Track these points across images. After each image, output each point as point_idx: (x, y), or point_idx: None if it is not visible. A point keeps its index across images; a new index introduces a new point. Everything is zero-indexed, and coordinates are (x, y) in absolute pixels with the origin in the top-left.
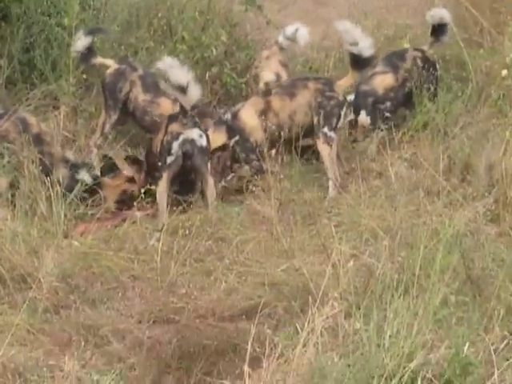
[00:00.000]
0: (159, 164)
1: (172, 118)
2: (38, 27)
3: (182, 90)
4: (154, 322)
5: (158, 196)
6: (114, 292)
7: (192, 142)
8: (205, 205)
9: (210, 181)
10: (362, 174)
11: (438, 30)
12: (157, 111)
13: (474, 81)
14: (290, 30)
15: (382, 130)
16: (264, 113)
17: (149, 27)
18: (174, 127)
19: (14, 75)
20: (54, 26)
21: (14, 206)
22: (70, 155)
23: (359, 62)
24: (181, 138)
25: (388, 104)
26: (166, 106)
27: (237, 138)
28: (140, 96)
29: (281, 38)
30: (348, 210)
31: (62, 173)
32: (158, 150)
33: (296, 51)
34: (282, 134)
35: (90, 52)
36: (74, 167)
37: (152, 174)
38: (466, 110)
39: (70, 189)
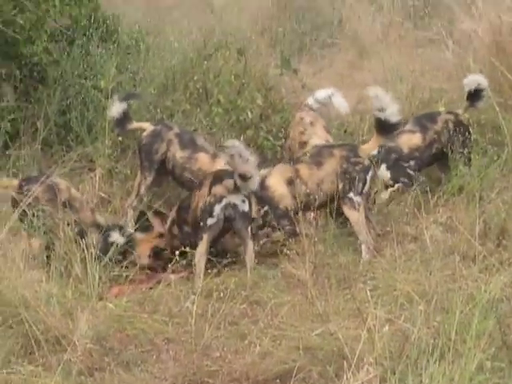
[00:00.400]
0: (200, 224)
1: (217, 180)
2: (75, 90)
3: (245, 178)
4: None
5: (196, 257)
6: (148, 355)
7: (234, 206)
8: (240, 268)
9: (250, 245)
10: (396, 238)
11: (474, 95)
12: (195, 166)
13: (510, 145)
14: (321, 94)
15: (401, 183)
16: (292, 181)
17: (185, 90)
18: (218, 190)
19: (50, 137)
20: (91, 88)
21: (49, 267)
22: (101, 219)
23: (385, 128)
24: (224, 202)
25: (412, 163)
26: (204, 161)
27: (266, 208)
28: (178, 153)
29: (311, 101)
30: (383, 274)
31: (94, 237)
32: (199, 207)
33: (326, 114)
34: (316, 197)
35: (125, 118)
36: (107, 230)
37: (182, 228)
38: (502, 175)
39: (104, 252)
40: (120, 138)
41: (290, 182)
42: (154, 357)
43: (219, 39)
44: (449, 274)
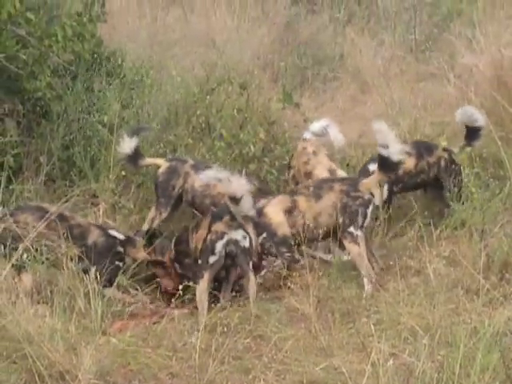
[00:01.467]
0: (199, 262)
1: (216, 217)
2: (78, 125)
3: (236, 200)
4: None
5: (198, 295)
6: None
7: (236, 242)
8: (244, 301)
9: (252, 278)
10: (400, 272)
11: (472, 133)
12: (214, 191)
13: None
14: (316, 126)
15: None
16: (290, 211)
17: (187, 124)
18: (219, 227)
19: (53, 172)
20: (95, 123)
21: (53, 302)
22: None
23: (387, 165)
24: (225, 239)
25: (399, 186)
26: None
27: (264, 235)
28: (196, 183)
29: (308, 134)
30: (387, 307)
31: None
32: (199, 246)
33: (327, 143)
34: (320, 231)
35: (137, 154)
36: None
37: (181, 262)
38: (504, 208)
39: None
40: (123, 173)
41: (288, 212)
42: None
43: (221, 74)
44: (452, 308)
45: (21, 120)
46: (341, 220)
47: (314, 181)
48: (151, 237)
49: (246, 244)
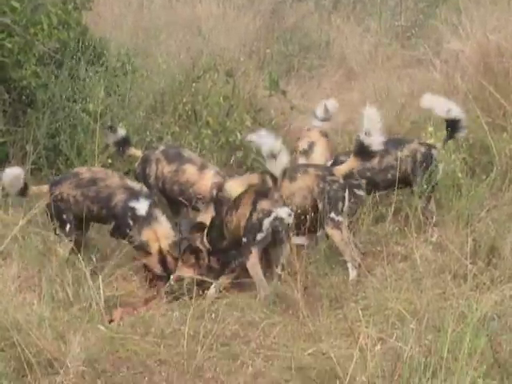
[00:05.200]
0: (244, 240)
1: (260, 195)
2: (64, 113)
3: (274, 156)
4: None
5: (251, 270)
6: (141, 376)
7: (281, 220)
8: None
9: (287, 247)
10: (387, 257)
11: (451, 124)
12: (182, 178)
13: (498, 164)
14: (318, 111)
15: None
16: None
17: (174, 112)
18: (265, 204)
19: (39, 160)
20: (79, 111)
21: (41, 290)
22: (134, 184)
23: (364, 153)
24: (272, 216)
25: (362, 183)
26: (191, 172)
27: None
28: (165, 168)
29: (315, 122)
30: (374, 293)
31: (121, 199)
32: (242, 224)
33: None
34: (307, 217)
35: (124, 142)
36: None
37: (217, 246)
38: (491, 194)
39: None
40: (110, 161)
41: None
42: (147, 379)
43: (207, 61)
44: (440, 293)
45: (7, 109)
46: (320, 207)
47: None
48: None
49: (290, 221)
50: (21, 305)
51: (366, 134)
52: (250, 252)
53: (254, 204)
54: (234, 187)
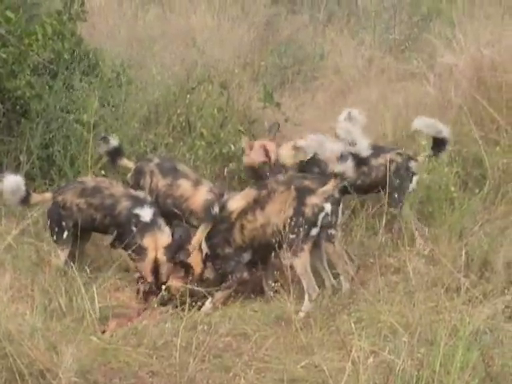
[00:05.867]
0: (293, 237)
1: (305, 191)
2: (57, 123)
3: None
4: None
5: (301, 269)
6: None
7: (326, 216)
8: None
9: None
10: (379, 270)
11: (438, 143)
12: (177, 193)
13: (491, 178)
14: (341, 117)
15: None
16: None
17: (168, 123)
18: (315, 199)
19: (32, 171)
20: (73, 122)
21: (34, 300)
22: (139, 193)
23: (356, 162)
24: (324, 211)
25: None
26: (186, 187)
27: None
28: (160, 182)
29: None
30: (367, 305)
31: (124, 206)
32: (279, 222)
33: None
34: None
35: (116, 152)
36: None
37: (217, 252)
38: (484, 207)
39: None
40: (103, 172)
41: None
42: None
43: (202, 73)
44: (432, 306)
45: (0, 119)
46: None
47: (287, 175)
48: None
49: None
50: (13, 315)
51: (350, 144)
52: (302, 249)
53: (301, 199)
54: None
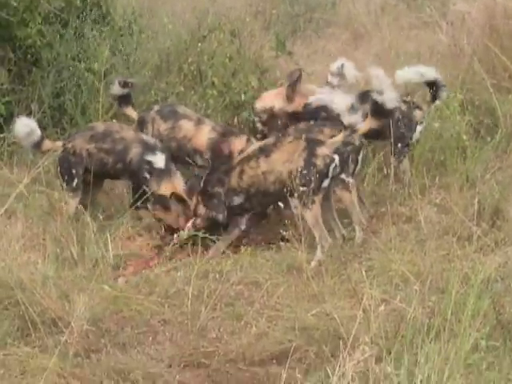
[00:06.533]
0: (303, 189)
1: (314, 144)
2: (68, 72)
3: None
4: (184, 366)
5: (313, 220)
6: (145, 336)
7: (335, 167)
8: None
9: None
10: (391, 219)
11: (431, 87)
12: (179, 134)
13: (503, 126)
14: (334, 66)
15: None
16: None
17: (179, 72)
18: (325, 150)
19: (44, 119)
20: (84, 70)
21: (45, 249)
22: (148, 138)
23: (379, 111)
24: (334, 162)
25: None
26: (188, 128)
27: None
28: (162, 127)
29: (330, 78)
30: (378, 254)
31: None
32: (284, 170)
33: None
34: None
35: (125, 98)
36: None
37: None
38: (496, 156)
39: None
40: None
41: None
42: (151, 338)
43: (213, 21)
44: (444, 255)
45: (11, 68)
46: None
47: (306, 124)
48: None
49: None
50: (25, 264)
51: (377, 93)
52: (313, 201)
53: (311, 150)
54: None
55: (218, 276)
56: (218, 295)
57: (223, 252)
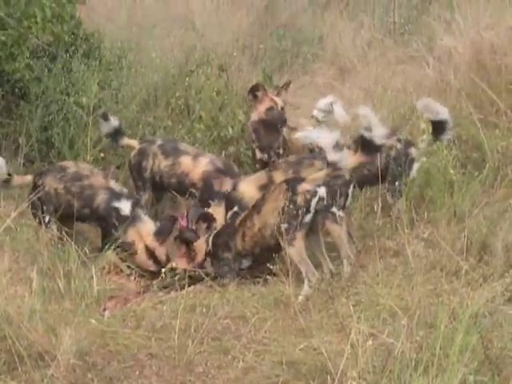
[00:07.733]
0: (285, 226)
1: (295, 181)
2: (57, 106)
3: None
4: None
5: (297, 256)
6: (131, 370)
7: (320, 200)
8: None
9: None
10: (378, 253)
11: (437, 126)
12: (179, 170)
13: (491, 161)
14: (323, 103)
15: None
16: (265, 187)
17: (167, 106)
18: (306, 186)
19: (32, 153)
20: (73, 104)
21: (32, 282)
22: (116, 185)
23: (368, 147)
24: (317, 196)
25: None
26: (186, 163)
27: (235, 209)
28: (162, 163)
29: (315, 112)
30: (366, 288)
31: (101, 199)
32: (270, 220)
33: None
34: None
35: (118, 132)
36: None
37: (216, 256)
38: (483, 190)
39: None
40: (102, 155)
41: (262, 188)
42: (137, 372)
43: (201, 56)
44: (431, 289)
45: (0, 101)
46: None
47: (296, 156)
48: None
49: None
50: (12, 297)
51: (365, 129)
52: (294, 238)
53: (293, 189)
54: (248, 189)
55: (204, 310)
56: (205, 329)
57: (210, 286)
